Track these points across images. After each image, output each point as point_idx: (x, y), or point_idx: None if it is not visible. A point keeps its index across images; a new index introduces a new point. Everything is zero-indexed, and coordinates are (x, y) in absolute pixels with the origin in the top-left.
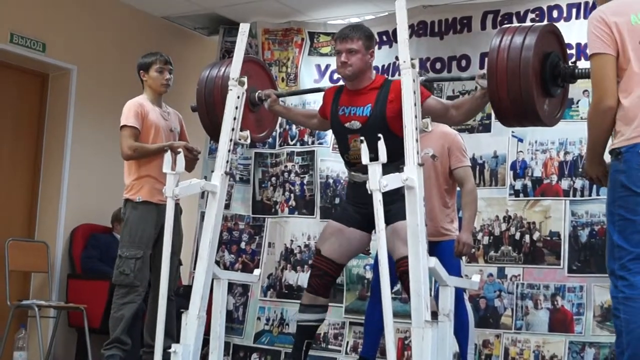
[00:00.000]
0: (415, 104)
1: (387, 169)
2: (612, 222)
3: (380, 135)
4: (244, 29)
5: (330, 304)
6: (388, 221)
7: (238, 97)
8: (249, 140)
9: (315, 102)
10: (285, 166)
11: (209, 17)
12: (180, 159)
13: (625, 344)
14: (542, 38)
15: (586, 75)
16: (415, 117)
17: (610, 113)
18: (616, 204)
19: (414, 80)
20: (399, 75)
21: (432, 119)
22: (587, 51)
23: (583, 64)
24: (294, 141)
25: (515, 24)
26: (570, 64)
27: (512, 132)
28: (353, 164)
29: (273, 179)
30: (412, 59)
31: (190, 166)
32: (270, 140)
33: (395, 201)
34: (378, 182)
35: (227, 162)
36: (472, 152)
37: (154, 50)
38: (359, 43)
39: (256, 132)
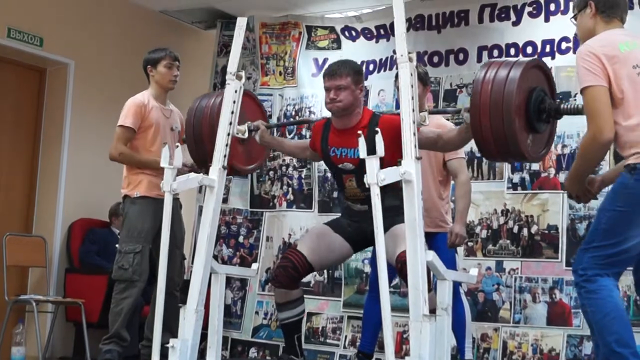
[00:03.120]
0: (412, 98)
1: (384, 195)
2: (598, 223)
3: (378, 130)
4: (241, 23)
5: (328, 298)
6: (386, 229)
7: (236, 91)
8: (246, 135)
9: (313, 95)
10: (283, 160)
11: (206, 11)
12: (178, 153)
13: (597, 334)
14: (526, 72)
15: (572, 112)
16: (413, 110)
17: (608, 146)
18: (608, 214)
19: (411, 74)
20: (397, 68)
21: (424, 147)
22: (579, 86)
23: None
24: (291, 135)
25: (504, 59)
26: (557, 100)
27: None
28: (349, 198)
29: (271, 172)
30: (409, 53)
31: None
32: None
33: (393, 216)
34: (376, 175)
35: (225, 156)
36: (470, 145)
37: (149, 47)
38: (347, 79)
39: (246, 164)
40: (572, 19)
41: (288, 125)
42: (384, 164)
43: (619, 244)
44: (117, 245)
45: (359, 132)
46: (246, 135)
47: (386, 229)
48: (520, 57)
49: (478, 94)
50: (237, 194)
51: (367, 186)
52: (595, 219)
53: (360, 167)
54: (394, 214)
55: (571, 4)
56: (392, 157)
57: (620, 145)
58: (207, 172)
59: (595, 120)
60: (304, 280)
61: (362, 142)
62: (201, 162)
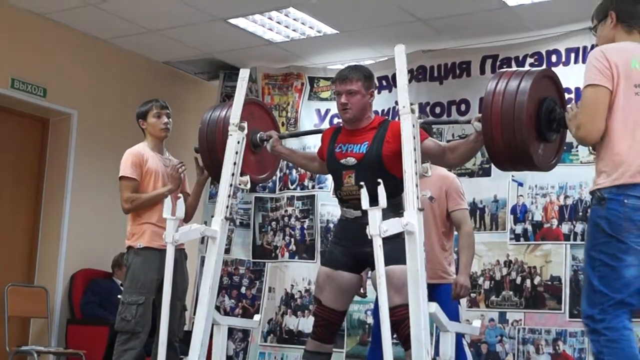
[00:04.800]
0: (414, 149)
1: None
2: (592, 267)
3: (380, 180)
4: (243, 74)
5: None
6: (371, 259)
7: (238, 142)
8: (249, 186)
9: (315, 146)
10: (286, 210)
11: (209, 62)
12: (181, 204)
13: None
14: (537, 82)
15: None
16: (415, 161)
17: (596, 137)
18: (597, 249)
19: (413, 126)
20: (399, 119)
21: (431, 160)
22: (583, 81)
23: None
24: (294, 185)
25: (514, 68)
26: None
27: (512, 176)
28: (345, 200)
29: (273, 223)
30: (411, 104)
31: (175, 183)
32: (270, 184)
33: (385, 243)
34: (378, 227)
35: (227, 207)
36: (473, 196)
37: (152, 97)
38: (358, 84)
39: (257, 173)
40: (593, 31)
41: (300, 136)
42: (392, 170)
43: (623, 287)
44: (119, 297)
45: (361, 183)
46: (249, 185)
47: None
48: (530, 68)
49: (489, 104)
50: (240, 244)
51: (365, 181)
52: (588, 263)
53: (362, 162)
54: (391, 242)
55: (572, 56)
56: (400, 164)
57: (599, 157)
58: (218, 182)
59: (587, 111)
60: (304, 330)
61: (364, 193)
62: (215, 173)
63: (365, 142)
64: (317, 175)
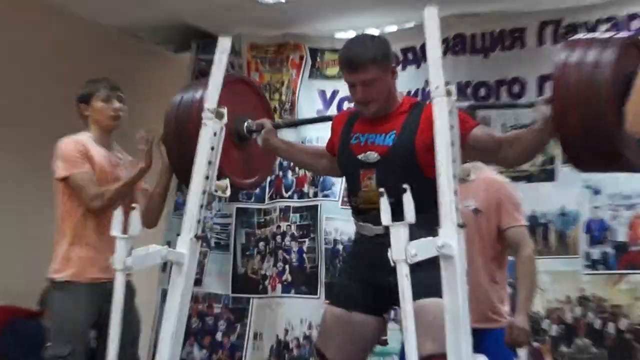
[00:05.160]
0: (452, 143)
1: (412, 225)
2: None
3: (406, 186)
4: (223, 45)
5: None
6: (394, 293)
7: (215, 134)
8: (228, 192)
9: (319, 139)
10: (278, 227)
11: (178, 29)
12: (136, 217)
13: None
14: (624, 53)
15: None
16: (453, 160)
17: None
18: None
19: (450, 112)
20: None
21: (478, 157)
22: None
23: None
24: (289, 193)
25: (591, 36)
26: None
27: (585, 180)
28: (362, 210)
29: (261, 244)
30: (447, 84)
31: (148, 159)
32: (257, 191)
33: (415, 270)
34: (404, 249)
35: (199, 222)
36: (531, 207)
37: (99, 75)
38: (374, 69)
39: (243, 176)
40: None
41: (304, 124)
42: (426, 170)
43: None
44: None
45: (381, 190)
46: (228, 192)
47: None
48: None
49: (562, 82)
50: (215, 273)
51: (388, 189)
52: None
53: (387, 159)
54: (423, 269)
55: None
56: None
57: None
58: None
59: None
60: None
61: (384, 203)
62: (184, 173)
63: (392, 132)
64: (321, 179)
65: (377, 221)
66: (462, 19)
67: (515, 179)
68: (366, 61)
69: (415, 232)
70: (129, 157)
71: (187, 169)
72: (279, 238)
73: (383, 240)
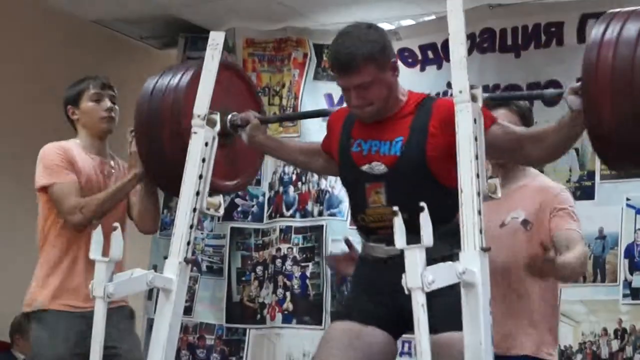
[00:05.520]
0: (477, 157)
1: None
2: None
3: (423, 204)
4: (215, 40)
5: None
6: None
7: (207, 144)
8: (222, 210)
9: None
10: (278, 249)
11: (164, 22)
12: (117, 238)
13: None
14: None
15: None
16: (477, 176)
17: None
18: None
19: (475, 120)
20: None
21: (497, 156)
22: None
23: None
24: (291, 211)
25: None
26: None
27: (628, 199)
28: (372, 230)
29: (259, 268)
30: (472, 87)
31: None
32: (254, 209)
33: (435, 296)
34: (420, 276)
35: (189, 243)
36: None
37: (79, 74)
38: (369, 69)
39: (226, 177)
40: None
41: (297, 119)
42: (441, 179)
43: None
44: None
45: (395, 208)
46: (222, 210)
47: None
48: None
49: (594, 65)
50: (207, 300)
51: (400, 204)
52: None
53: (396, 170)
54: (445, 295)
55: None
56: (456, 169)
57: None
58: (170, 192)
59: None
60: None
61: (399, 223)
62: (159, 176)
63: (399, 139)
64: (327, 197)
65: (390, 241)
66: (491, 10)
67: None
68: (360, 61)
69: (437, 245)
70: (125, 166)
71: (160, 171)
72: (279, 262)
73: (399, 260)
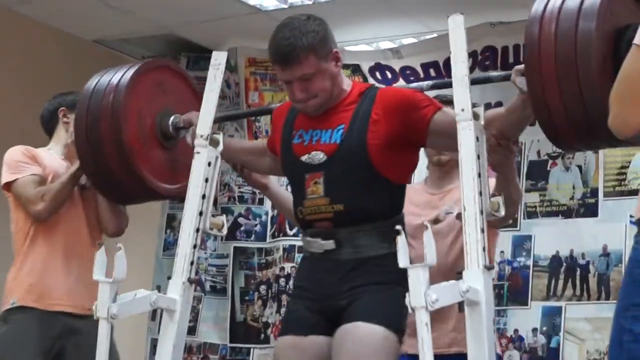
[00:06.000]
0: (479, 175)
1: (366, 232)
2: (619, 344)
3: (427, 224)
4: (218, 59)
5: None
6: (342, 318)
7: (210, 164)
8: (225, 230)
9: None
10: (282, 269)
11: (165, 41)
12: (121, 259)
13: None
14: (609, 3)
15: None
16: (480, 194)
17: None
18: (630, 313)
19: (477, 139)
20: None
21: (445, 146)
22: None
23: None
24: (294, 230)
25: None
26: None
27: (631, 216)
28: (309, 222)
29: (262, 288)
30: (474, 105)
31: None
32: (257, 228)
33: (369, 288)
34: (424, 294)
35: (192, 263)
36: (570, 247)
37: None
38: (311, 60)
39: (168, 180)
40: None
41: (243, 118)
42: (382, 169)
43: None
44: None
45: (398, 227)
46: (225, 230)
47: (347, 282)
48: None
49: (536, 42)
50: (211, 320)
51: (338, 194)
52: (615, 336)
53: (335, 159)
54: (375, 288)
55: None
56: (403, 157)
57: None
58: (118, 200)
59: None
60: None
61: (402, 242)
62: (100, 181)
63: (341, 127)
64: None
65: (326, 235)
66: (493, 28)
67: (551, 214)
68: (300, 51)
69: (375, 243)
70: None
71: (105, 175)
72: (282, 281)
73: (334, 256)
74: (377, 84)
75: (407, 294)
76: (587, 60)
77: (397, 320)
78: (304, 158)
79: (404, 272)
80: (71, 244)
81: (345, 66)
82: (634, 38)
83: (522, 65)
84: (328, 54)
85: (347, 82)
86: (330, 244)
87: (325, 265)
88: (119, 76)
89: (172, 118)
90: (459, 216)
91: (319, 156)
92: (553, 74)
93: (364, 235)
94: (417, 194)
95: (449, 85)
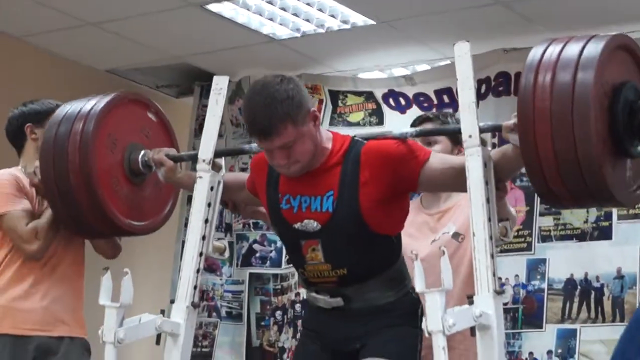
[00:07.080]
0: (488, 200)
1: (372, 286)
2: None
3: (444, 248)
4: (219, 84)
5: None
6: (358, 356)
7: (212, 188)
8: (227, 254)
9: None
10: (297, 294)
11: (179, 71)
12: (128, 283)
13: None
14: (609, 57)
15: None
16: (489, 220)
17: None
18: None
19: (485, 165)
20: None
21: (434, 190)
22: None
23: None
24: None
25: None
26: None
27: None
28: (313, 283)
29: (278, 313)
30: (482, 131)
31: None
32: (272, 254)
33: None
34: (441, 319)
35: (195, 287)
36: (584, 270)
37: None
38: (289, 129)
39: (139, 217)
40: None
41: (216, 157)
42: (378, 228)
43: None
44: None
45: (411, 255)
46: (227, 253)
47: (361, 318)
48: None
49: (530, 98)
50: (227, 346)
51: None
52: None
53: (330, 227)
54: (390, 327)
55: None
56: (396, 206)
57: None
58: (80, 232)
59: None
60: None
61: (418, 267)
62: (71, 219)
63: (330, 193)
64: None
65: (333, 293)
66: (506, 54)
67: (565, 237)
68: (278, 123)
69: (383, 292)
70: None
71: (72, 212)
72: (298, 307)
73: (342, 313)
74: (360, 139)
75: (424, 318)
76: (583, 112)
77: (415, 357)
78: (296, 226)
79: (414, 314)
80: (50, 266)
81: (359, 93)
82: (633, 99)
83: (512, 122)
84: (305, 116)
85: (326, 136)
86: (338, 301)
87: (335, 314)
88: (95, 102)
89: (141, 154)
90: (455, 235)
91: (312, 225)
92: (548, 125)
93: (371, 289)
94: (413, 213)
95: (435, 133)
